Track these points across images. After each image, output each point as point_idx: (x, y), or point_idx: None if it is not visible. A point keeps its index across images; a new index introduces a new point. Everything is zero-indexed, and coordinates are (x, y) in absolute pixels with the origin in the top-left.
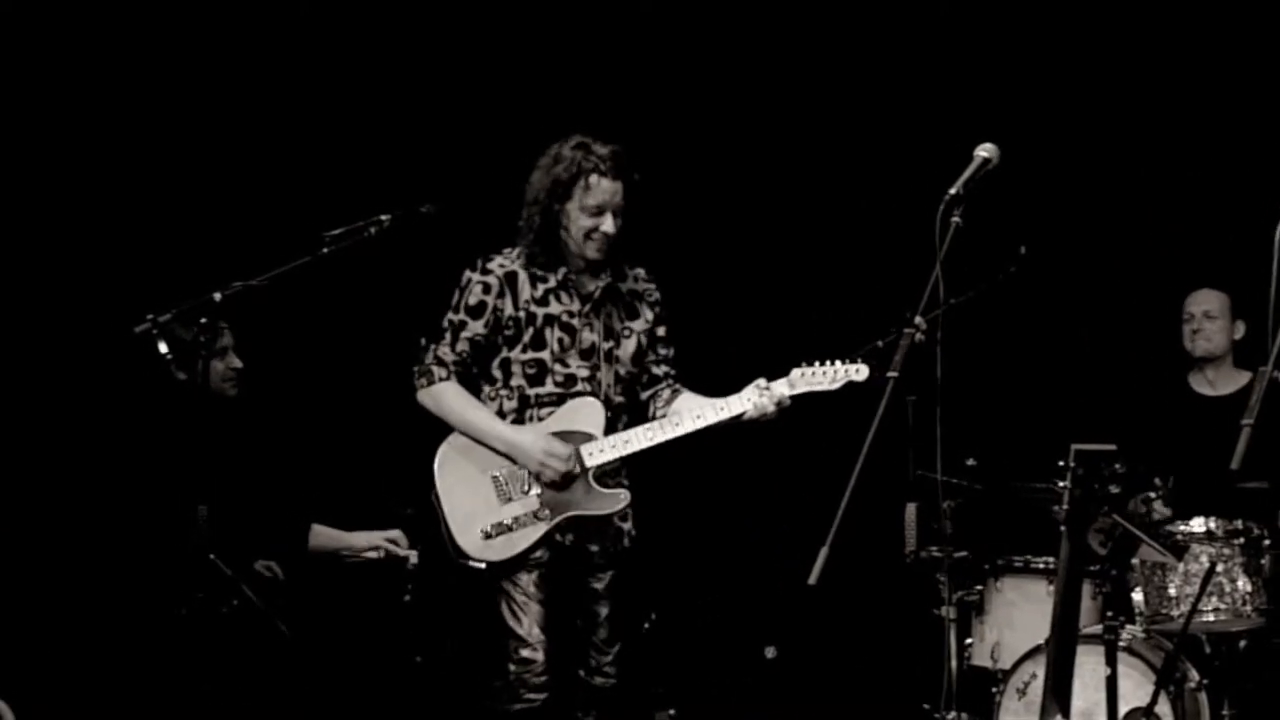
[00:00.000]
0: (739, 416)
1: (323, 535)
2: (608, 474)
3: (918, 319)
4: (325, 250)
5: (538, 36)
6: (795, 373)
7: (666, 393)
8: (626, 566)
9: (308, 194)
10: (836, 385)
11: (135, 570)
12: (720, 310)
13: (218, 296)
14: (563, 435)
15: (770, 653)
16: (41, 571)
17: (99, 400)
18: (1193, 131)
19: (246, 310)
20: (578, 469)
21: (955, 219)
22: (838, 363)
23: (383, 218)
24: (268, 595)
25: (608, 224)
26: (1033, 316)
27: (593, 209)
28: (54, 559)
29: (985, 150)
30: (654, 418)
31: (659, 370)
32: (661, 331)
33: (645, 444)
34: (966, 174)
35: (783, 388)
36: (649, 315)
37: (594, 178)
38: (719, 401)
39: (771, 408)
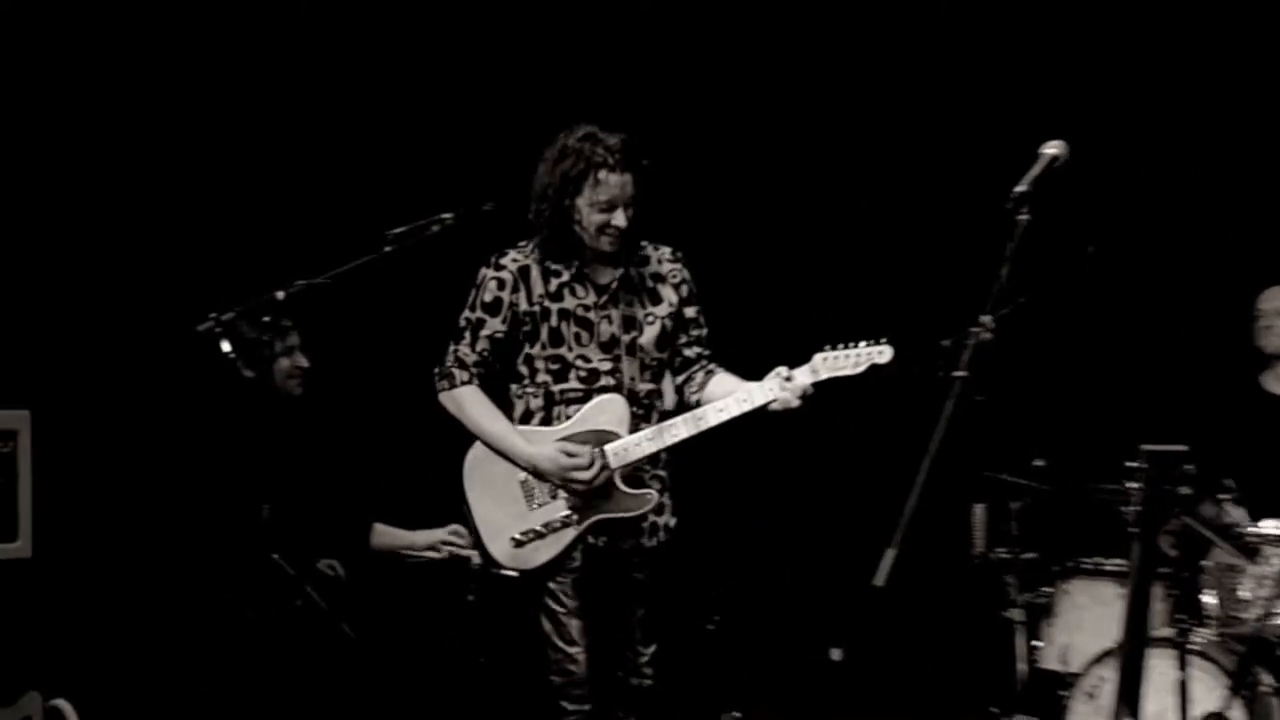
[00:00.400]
0: (764, 408)
1: (385, 534)
2: (638, 470)
3: (985, 318)
4: (388, 248)
5: (591, 26)
6: (817, 357)
7: (700, 375)
8: (663, 562)
9: (371, 191)
10: (860, 368)
11: (198, 570)
12: (787, 309)
13: (281, 295)
14: (586, 436)
15: (836, 655)
16: (105, 570)
17: (162, 400)
18: (1266, 126)
19: (310, 308)
20: (606, 470)
21: (1023, 216)
22: (861, 344)
23: (445, 215)
24: (331, 595)
25: (619, 218)
26: (1101, 315)
27: (603, 204)
28: (117, 558)
29: (1053, 147)
30: (688, 402)
31: (690, 352)
32: (690, 312)
33: (670, 441)
34: (1034, 171)
35: (805, 376)
36: (673, 298)
37: (603, 173)
38: (740, 393)
39: (795, 400)
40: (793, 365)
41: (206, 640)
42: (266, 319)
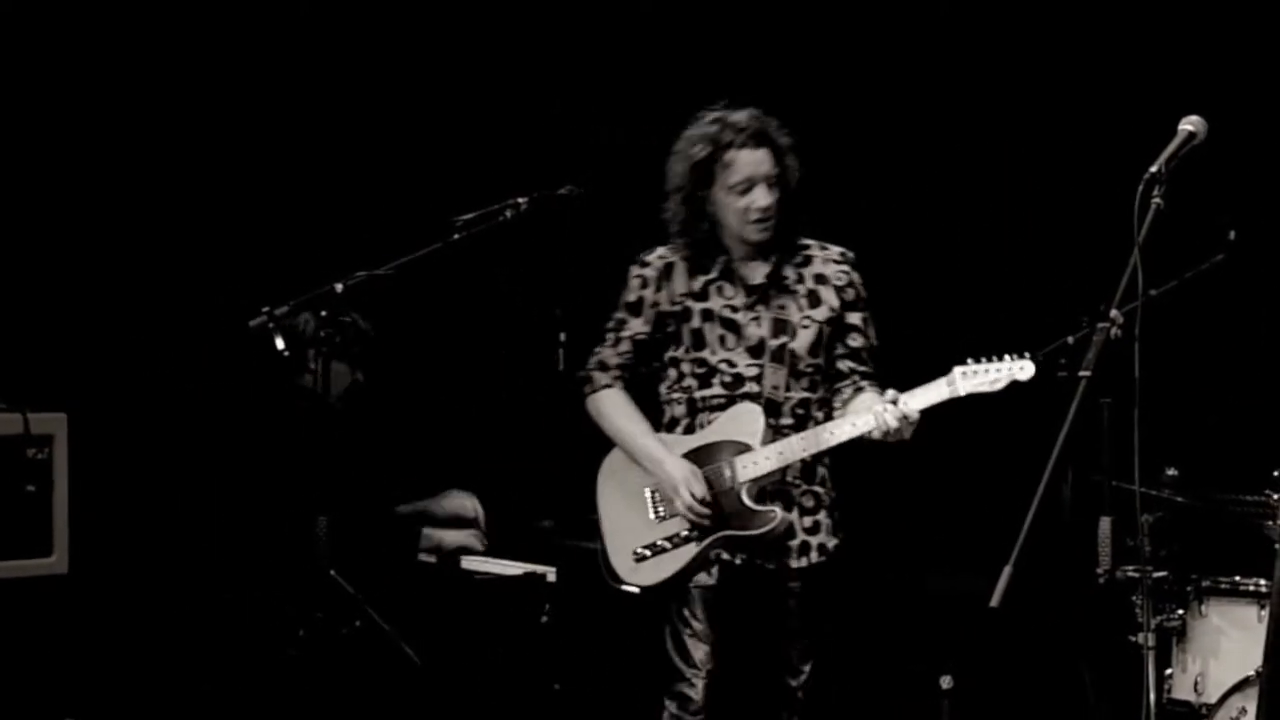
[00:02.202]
0: (871, 434)
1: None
2: (780, 487)
3: (1114, 312)
4: (457, 236)
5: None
6: (956, 371)
7: (848, 391)
8: (820, 582)
9: (440, 175)
10: (999, 386)
11: (249, 588)
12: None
13: (340, 287)
14: (718, 447)
15: (947, 682)
16: (147, 587)
17: (211, 402)
18: None
19: (372, 301)
20: (733, 485)
21: (1156, 200)
22: (1006, 358)
23: (519, 200)
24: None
25: (761, 198)
26: (1242, 309)
27: (740, 186)
28: (160, 575)
29: (1190, 124)
30: (831, 418)
31: (843, 365)
32: (854, 319)
33: (795, 457)
34: (1169, 150)
35: (916, 399)
36: (834, 301)
37: (731, 153)
38: (853, 415)
39: (893, 423)
40: (914, 380)
41: (257, 664)
42: (324, 313)
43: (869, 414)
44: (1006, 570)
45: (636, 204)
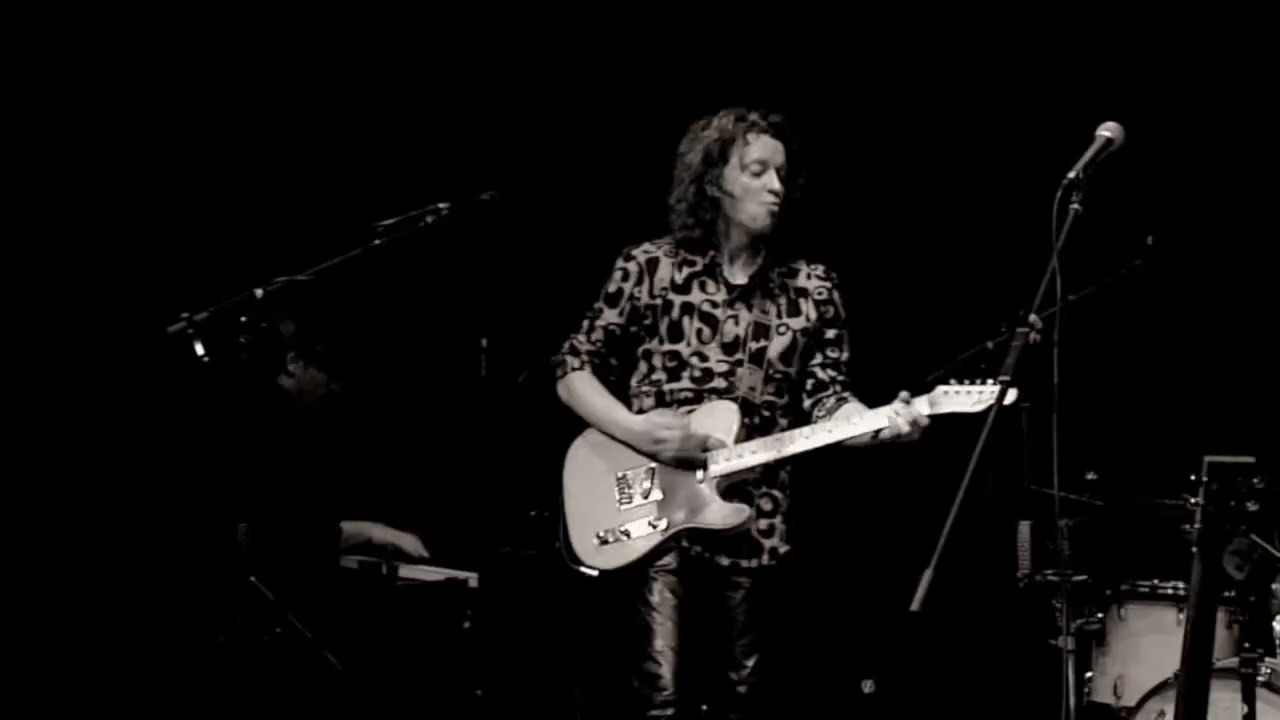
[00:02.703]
0: (877, 433)
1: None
2: (741, 486)
3: (1032, 317)
4: (378, 241)
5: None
6: (939, 390)
7: (831, 401)
8: (768, 584)
9: (360, 181)
10: (979, 408)
11: (168, 594)
12: None
13: (259, 292)
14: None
15: (868, 687)
16: (64, 594)
17: (130, 408)
18: None
19: (290, 306)
20: (700, 476)
21: (1075, 206)
22: (987, 382)
23: (440, 206)
24: (316, 622)
25: (774, 181)
26: (1161, 314)
27: (755, 166)
28: (79, 581)
29: (1108, 130)
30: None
31: (824, 374)
32: (831, 334)
33: (772, 456)
34: (1087, 156)
35: (922, 406)
36: (812, 314)
37: (753, 134)
38: (854, 415)
39: (906, 426)
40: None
41: (177, 671)
42: (243, 319)
43: (872, 413)
44: (927, 574)
45: (560, 209)
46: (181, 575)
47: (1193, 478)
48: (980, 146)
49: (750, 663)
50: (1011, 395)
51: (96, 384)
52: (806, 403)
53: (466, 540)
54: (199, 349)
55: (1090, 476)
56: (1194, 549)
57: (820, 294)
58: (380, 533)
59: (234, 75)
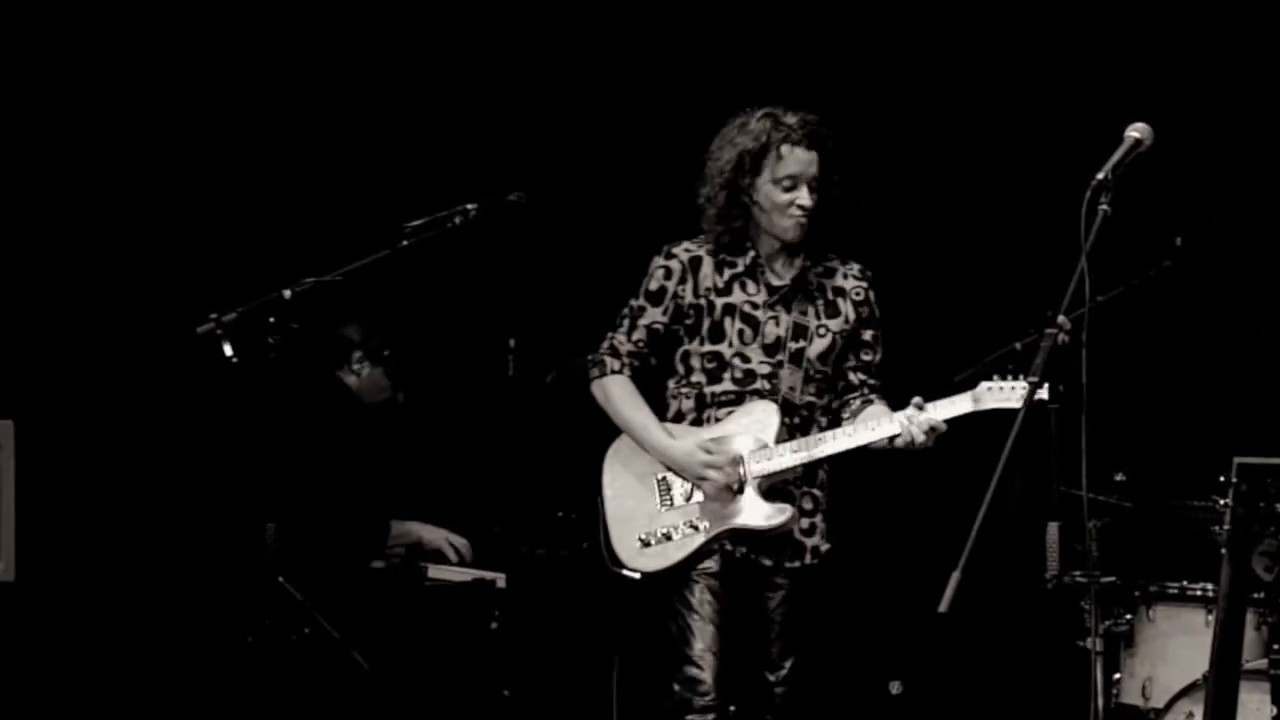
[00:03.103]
0: (893, 439)
1: (393, 531)
2: (782, 485)
3: (1061, 318)
4: (405, 243)
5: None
6: (982, 386)
7: (857, 403)
8: (808, 584)
9: (389, 182)
10: (1019, 404)
11: (197, 595)
12: None
13: (288, 293)
14: (731, 439)
15: (895, 688)
16: (95, 596)
17: (160, 409)
18: None
19: (321, 308)
20: (743, 477)
21: (1103, 207)
22: (1023, 378)
23: (468, 207)
24: (344, 622)
25: (804, 197)
26: (1190, 315)
27: (786, 181)
28: (108, 582)
29: (1137, 130)
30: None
31: (855, 377)
32: (867, 336)
33: (805, 457)
34: (1116, 157)
35: (941, 410)
36: (850, 314)
37: (785, 147)
38: (871, 420)
39: (920, 435)
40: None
41: (206, 671)
42: (271, 319)
43: (889, 419)
44: (955, 575)
45: (587, 209)
46: (210, 575)
47: (1222, 479)
48: (1010, 148)
49: (788, 664)
50: (1046, 389)
51: (127, 384)
52: (834, 404)
53: (494, 540)
54: (228, 349)
55: (1119, 478)
56: (1223, 550)
57: (858, 294)
58: (430, 534)
59: (266, 78)
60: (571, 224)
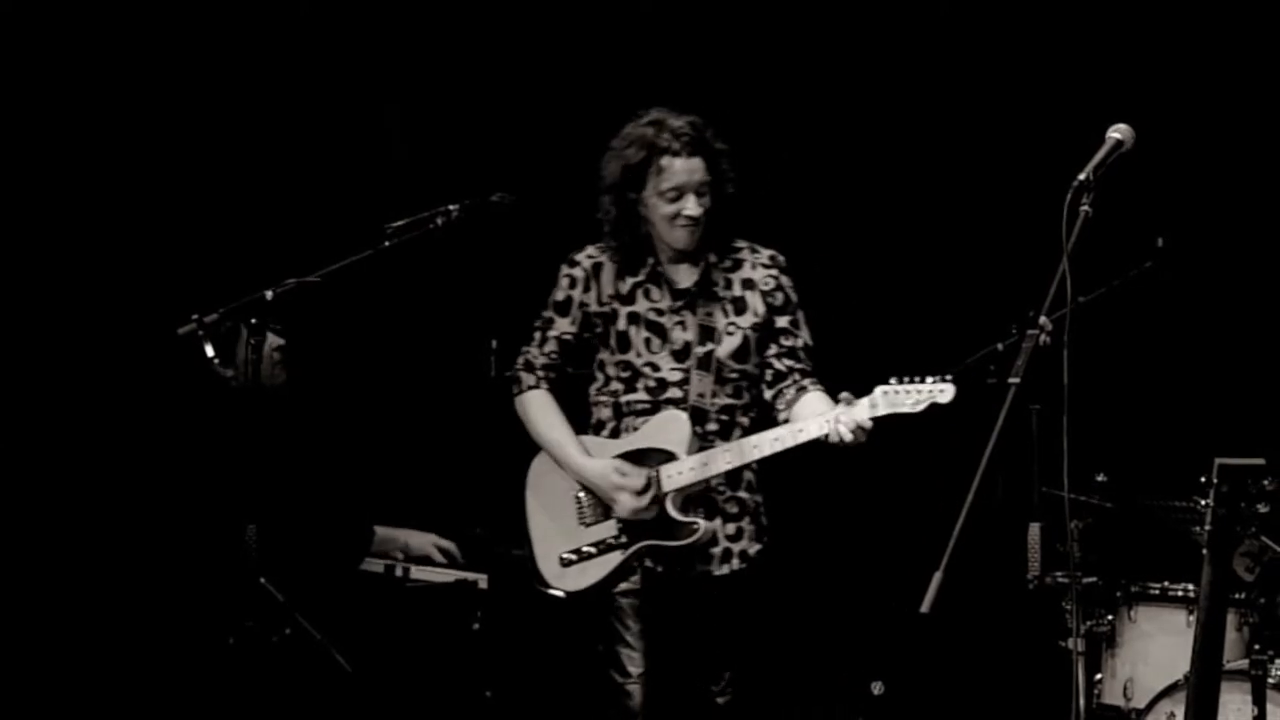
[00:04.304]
0: (821, 440)
1: (379, 536)
2: (704, 494)
3: (1043, 319)
4: (388, 243)
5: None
6: (878, 391)
7: (791, 392)
8: (740, 589)
9: (370, 182)
10: (920, 407)
11: (178, 597)
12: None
13: (269, 294)
14: (643, 454)
15: (878, 688)
16: (72, 598)
17: (139, 410)
18: None
19: (302, 309)
20: (656, 493)
21: (1085, 208)
22: (928, 380)
23: (451, 208)
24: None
25: (690, 207)
26: (1172, 316)
27: (671, 193)
28: (89, 583)
29: (1118, 131)
30: (776, 419)
31: (781, 365)
32: (783, 322)
33: (725, 467)
34: (1097, 158)
35: (863, 410)
36: (760, 307)
37: (666, 159)
38: (798, 424)
39: (848, 435)
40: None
41: (188, 673)
42: (253, 320)
43: (816, 422)
44: (937, 576)
45: (568, 210)
46: (191, 576)
47: (1203, 479)
48: (992, 149)
49: (727, 674)
50: (949, 393)
51: (107, 385)
52: (768, 394)
53: (476, 541)
54: (209, 350)
55: (1101, 478)
56: (1204, 551)
57: (767, 284)
58: (418, 539)
59: (245, 77)
60: (554, 225)
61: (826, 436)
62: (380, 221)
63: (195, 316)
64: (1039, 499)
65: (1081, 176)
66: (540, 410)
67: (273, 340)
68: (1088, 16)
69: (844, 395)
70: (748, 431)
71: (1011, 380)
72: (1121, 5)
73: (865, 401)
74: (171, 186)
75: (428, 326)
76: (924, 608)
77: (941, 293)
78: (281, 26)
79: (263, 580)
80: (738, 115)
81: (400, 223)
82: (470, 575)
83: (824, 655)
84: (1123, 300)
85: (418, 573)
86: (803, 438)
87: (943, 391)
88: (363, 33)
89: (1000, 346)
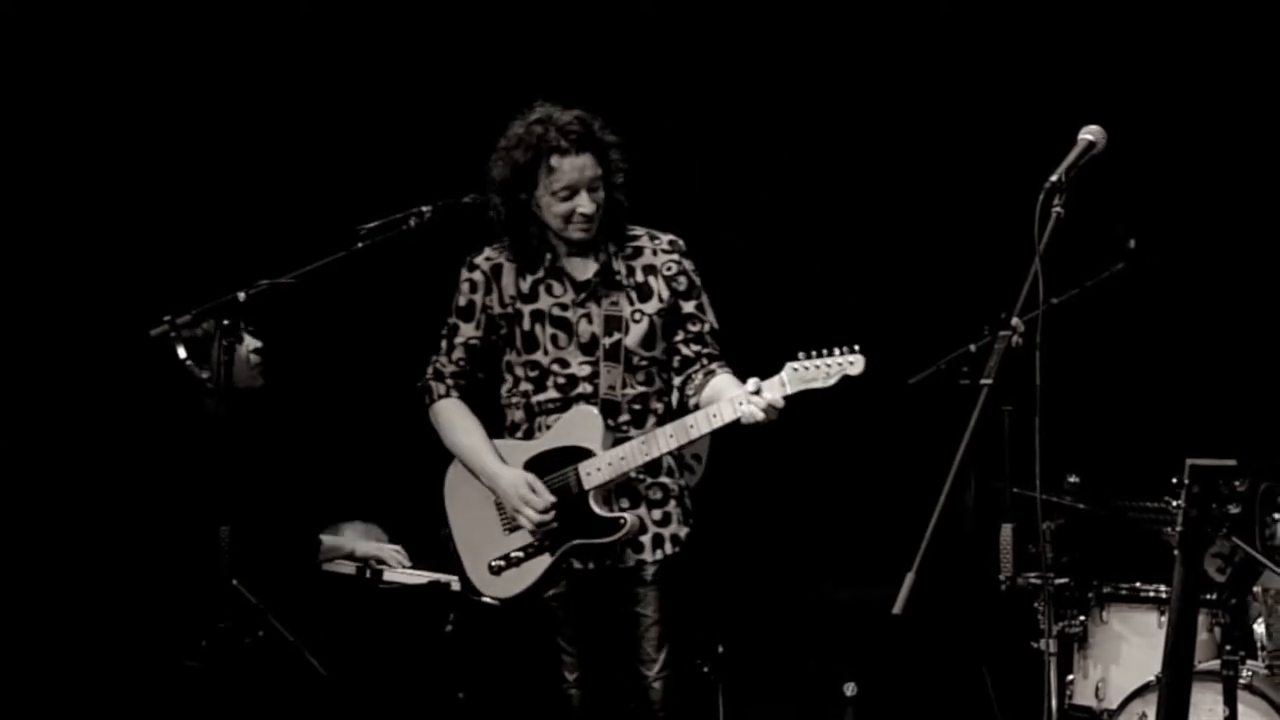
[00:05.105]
0: (736, 423)
1: (325, 545)
2: (625, 485)
3: (1015, 320)
4: (360, 245)
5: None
6: (787, 368)
7: (699, 376)
8: (668, 577)
9: (343, 184)
10: (832, 380)
11: (149, 599)
12: (795, 307)
13: (242, 296)
14: (559, 453)
15: (850, 689)
16: (49, 598)
17: (110, 412)
18: None
19: (275, 310)
20: (577, 493)
21: (1057, 209)
22: (835, 352)
23: (423, 209)
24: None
25: (584, 204)
26: (1144, 317)
27: (563, 192)
28: (62, 585)
29: (1090, 133)
30: (687, 405)
31: (688, 350)
32: (689, 307)
33: (643, 459)
34: (1069, 159)
35: (774, 390)
36: (664, 292)
37: (555, 159)
38: (712, 408)
39: (760, 415)
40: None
41: (158, 675)
42: (225, 321)
43: (728, 405)
44: (909, 577)
45: None
46: (164, 578)
47: (1174, 480)
48: (963, 149)
49: (662, 656)
50: (859, 364)
51: (79, 386)
52: (676, 381)
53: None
54: (181, 352)
55: (1072, 479)
56: (1175, 552)
57: (669, 269)
58: (364, 546)
59: (217, 79)
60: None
61: (740, 419)
62: (353, 223)
63: (167, 318)
64: (1011, 500)
65: (1054, 178)
66: (451, 418)
67: (250, 343)
68: (1058, 19)
69: (752, 380)
70: (661, 419)
71: (984, 381)
72: (1093, 7)
73: (775, 380)
74: (144, 188)
75: (400, 327)
76: (896, 609)
77: (914, 294)
78: (254, 29)
79: (235, 582)
80: (713, 116)
81: (373, 224)
82: (443, 577)
83: (796, 657)
84: (1095, 301)
85: (390, 574)
86: (717, 422)
87: (852, 363)
88: (335, 34)
89: (973, 348)
